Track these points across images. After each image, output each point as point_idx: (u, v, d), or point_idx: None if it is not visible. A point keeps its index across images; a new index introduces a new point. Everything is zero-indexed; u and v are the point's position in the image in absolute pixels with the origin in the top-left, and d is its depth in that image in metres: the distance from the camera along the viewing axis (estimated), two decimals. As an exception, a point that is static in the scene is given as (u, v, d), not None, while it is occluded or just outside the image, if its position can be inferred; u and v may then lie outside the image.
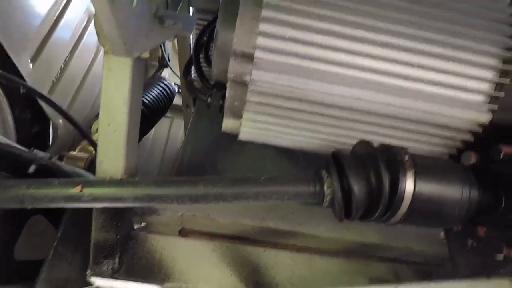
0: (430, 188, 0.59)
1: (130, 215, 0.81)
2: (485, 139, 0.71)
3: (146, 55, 0.67)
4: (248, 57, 0.62)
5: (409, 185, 0.58)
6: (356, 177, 0.58)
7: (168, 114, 1.80)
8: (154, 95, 1.46)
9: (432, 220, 0.62)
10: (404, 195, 0.58)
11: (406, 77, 0.66)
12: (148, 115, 1.36)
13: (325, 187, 0.62)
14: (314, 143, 0.79)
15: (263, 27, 0.61)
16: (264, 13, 0.61)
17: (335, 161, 0.62)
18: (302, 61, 0.63)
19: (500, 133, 0.70)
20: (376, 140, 0.73)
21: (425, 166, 0.60)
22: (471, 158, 0.72)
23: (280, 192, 0.62)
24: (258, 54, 0.62)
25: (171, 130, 1.86)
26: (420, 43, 0.64)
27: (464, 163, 0.73)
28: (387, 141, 0.74)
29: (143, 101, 1.29)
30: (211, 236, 0.90)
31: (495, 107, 0.67)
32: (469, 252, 0.70)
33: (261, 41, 0.62)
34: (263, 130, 0.75)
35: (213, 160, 1.09)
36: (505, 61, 0.66)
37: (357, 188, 0.58)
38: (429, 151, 0.76)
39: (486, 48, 0.65)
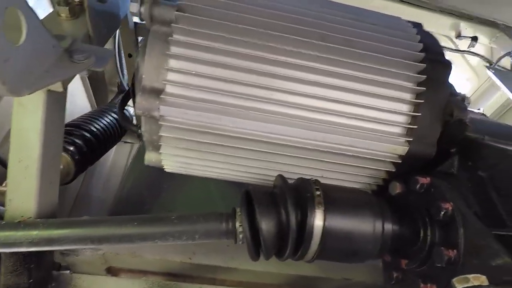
0: (341, 224, 0.58)
1: (49, 256, 0.76)
2: (408, 170, 0.72)
3: (58, 88, 0.65)
4: (157, 93, 0.61)
5: (318, 221, 0.56)
6: (265, 214, 0.57)
7: (128, 140, 1.76)
8: (106, 122, 1.42)
9: (346, 256, 0.61)
10: (313, 232, 0.56)
11: (322, 111, 0.66)
12: (94, 143, 1.32)
13: (237, 224, 0.60)
14: (241, 176, 0.77)
15: (173, 63, 0.61)
16: (173, 49, 0.61)
17: (246, 198, 0.60)
18: (213, 96, 0.62)
19: (419, 164, 0.71)
20: (302, 173, 0.72)
21: (336, 201, 0.59)
22: (396, 188, 0.72)
23: (190, 232, 0.60)
24: (168, 89, 0.62)
25: (131, 157, 1.81)
26: (335, 79, 0.65)
27: (391, 193, 0.73)
28: (312, 173, 0.73)
29: (90, 128, 1.25)
30: (144, 273, 0.86)
31: (411, 138, 0.67)
32: (395, 284, 0.68)
33: (171, 76, 0.61)
34: (185, 164, 0.73)
35: (156, 193, 1.06)
36: (417, 94, 0.67)
37: (265, 226, 0.56)
38: (356, 182, 0.76)
39: (400, 82, 0.66)
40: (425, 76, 0.66)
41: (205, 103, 0.62)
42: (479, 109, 1.83)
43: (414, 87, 0.66)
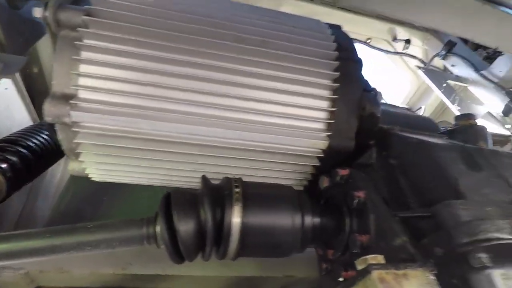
0: (260, 219, 0.59)
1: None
2: (333, 164, 0.74)
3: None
4: (67, 98, 0.59)
5: (236, 218, 0.57)
6: (182, 216, 0.56)
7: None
8: (46, 136, 1.35)
9: (269, 250, 0.62)
10: (231, 229, 0.57)
11: (243, 110, 0.67)
12: (32, 159, 1.25)
13: (157, 229, 0.59)
14: (171, 180, 0.76)
15: (84, 68, 0.60)
16: (84, 54, 0.60)
17: (166, 201, 0.59)
18: (128, 100, 0.61)
19: (341, 157, 0.74)
20: (231, 173, 0.73)
21: (255, 197, 0.60)
22: (324, 182, 0.75)
23: (108, 240, 0.58)
24: (81, 95, 0.60)
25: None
26: (253, 79, 0.67)
27: (320, 187, 0.75)
28: (242, 172, 0.74)
29: (27, 144, 1.18)
30: (79, 290, 0.82)
31: (330, 132, 0.70)
32: (325, 275, 0.70)
33: (82, 81, 0.60)
34: (109, 171, 0.72)
35: (96, 204, 1.02)
36: (333, 90, 0.70)
37: (182, 227, 0.56)
38: (286, 178, 0.78)
39: (316, 80, 0.69)
40: (339, 73, 0.69)
41: (121, 107, 0.61)
42: (419, 108, 1.95)
43: (330, 84, 0.70)
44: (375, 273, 0.41)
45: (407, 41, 1.64)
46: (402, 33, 1.67)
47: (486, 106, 1.41)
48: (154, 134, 0.64)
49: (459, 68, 1.53)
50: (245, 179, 0.64)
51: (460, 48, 1.54)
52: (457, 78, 1.55)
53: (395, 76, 1.89)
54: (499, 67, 1.47)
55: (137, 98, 0.62)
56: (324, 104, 0.70)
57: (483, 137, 0.67)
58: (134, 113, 0.62)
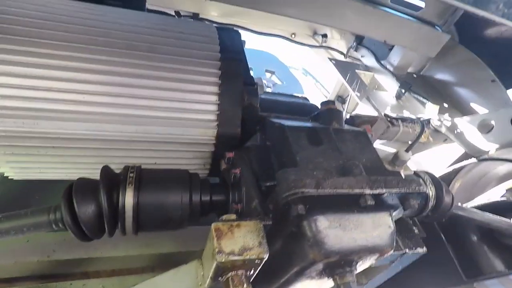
0: (151, 199, 0.71)
1: None
2: (226, 148, 0.88)
3: None
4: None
5: (128, 199, 0.68)
6: (80, 201, 0.67)
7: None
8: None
9: (163, 223, 0.73)
10: (125, 208, 0.68)
11: (139, 108, 0.78)
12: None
13: (63, 214, 0.69)
14: (83, 174, 0.86)
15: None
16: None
17: (69, 189, 0.69)
18: (25, 103, 0.70)
19: (232, 142, 0.87)
20: (137, 163, 0.84)
21: (148, 181, 0.72)
22: (222, 165, 0.88)
23: (18, 226, 0.67)
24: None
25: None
26: (146, 80, 0.78)
27: (221, 169, 0.88)
28: (146, 162, 0.85)
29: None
30: (8, 282, 0.89)
31: (218, 122, 0.83)
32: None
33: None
34: (23, 169, 0.80)
35: (28, 202, 1.09)
36: (218, 87, 0.83)
37: (82, 211, 0.66)
38: (188, 164, 0.90)
39: (201, 78, 0.82)
40: (220, 71, 0.82)
41: (20, 111, 0.70)
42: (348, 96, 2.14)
43: (214, 81, 0.82)
44: (213, 225, 0.54)
45: (324, 36, 1.82)
46: (321, 28, 1.85)
47: (388, 92, 1.62)
48: (58, 133, 0.73)
49: (367, 58, 1.74)
50: (153, 167, 0.76)
51: (368, 41, 1.74)
52: (366, 68, 1.75)
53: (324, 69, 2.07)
54: (393, 57, 1.69)
55: (34, 102, 0.71)
56: (211, 98, 0.83)
57: (337, 118, 0.82)
58: (33, 115, 0.71)
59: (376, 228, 0.64)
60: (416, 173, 1.03)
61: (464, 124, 1.16)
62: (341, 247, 0.61)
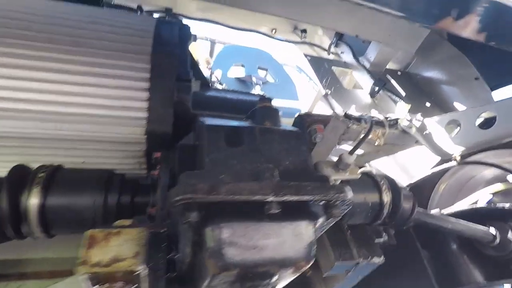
0: (60, 200, 0.67)
1: None
2: (158, 147, 0.83)
3: None
4: None
5: (33, 200, 0.65)
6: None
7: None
8: None
9: (76, 226, 0.70)
10: (28, 210, 0.64)
11: (60, 104, 0.74)
12: None
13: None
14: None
15: None
16: None
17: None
18: None
19: (164, 140, 0.83)
20: (63, 161, 0.80)
21: (59, 182, 0.68)
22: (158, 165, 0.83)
23: None
24: None
25: None
26: (67, 75, 0.74)
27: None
28: (73, 160, 0.82)
29: None
30: None
31: (147, 120, 0.79)
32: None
33: None
34: None
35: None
36: (147, 82, 0.78)
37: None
38: (120, 164, 0.86)
39: (128, 74, 0.77)
40: (150, 66, 0.77)
41: None
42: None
43: (143, 76, 0.78)
44: (89, 232, 0.50)
45: (303, 31, 1.74)
46: (301, 23, 1.77)
47: (364, 90, 1.53)
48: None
49: (346, 55, 1.65)
50: (82, 166, 0.72)
51: (348, 37, 1.65)
52: (345, 65, 1.67)
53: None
54: (370, 53, 1.60)
55: None
56: (140, 94, 0.78)
57: (270, 117, 0.76)
58: None
59: (287, 239, 0.58)
60: (371, 176, 0.96)
61: (433, 124, 1.08)
62: (242, 259, 0.55)
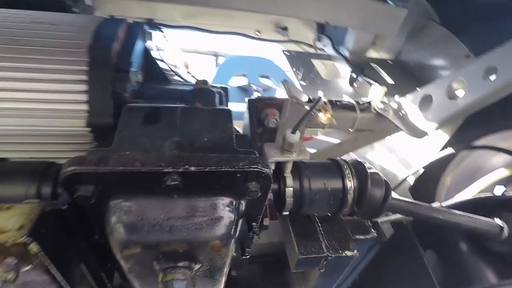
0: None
1: None
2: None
3: None
4: None
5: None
6: None
7: None
8: None
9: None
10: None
11: (10, 100, 0.77)
12: None
13: None
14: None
15: None
16: None
17: None
18: None
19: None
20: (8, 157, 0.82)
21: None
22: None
23: None
24: None
25: None
26: (7, 72, 0.77)
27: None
28: (23, 156, 0.84)
29: None
30: None
31: (88, 112, 0.80)
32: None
33: None
34: None
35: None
36: (85, 75, 0.80)
37: None
38: (70, 156, 0.87)
39: (68, 67, 0.79)
40: (88, 60, 0.79)
41: None
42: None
43: (81, 69, 0.79)
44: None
45: (285, 29, 1.71)
46: (281, 21, 1.75)
47: (345, 79, 1.46)
48: None
49: (328, 47, 1.59)
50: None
51: (328, 29, 1.60)
52: (328, 57, 1.61)
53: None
54: (348, 42, 1.53)
55: None
56: (79, 87, 0.80)
57: (202, 98, 0.74)
58: None
59: (196, 215, 0.54)
60: (333, 161, 0.89)
61: (408, 103, 0.98)
62: (143, 236, 0.52)
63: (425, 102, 0.95)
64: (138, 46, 0.95)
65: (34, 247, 0.48)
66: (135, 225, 0.52)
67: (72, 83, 0.79)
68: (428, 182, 1.51)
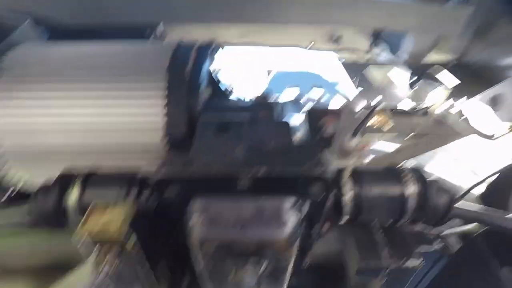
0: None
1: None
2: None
3: None
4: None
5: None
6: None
7: None
8: None
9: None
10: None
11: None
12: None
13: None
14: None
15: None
16: None
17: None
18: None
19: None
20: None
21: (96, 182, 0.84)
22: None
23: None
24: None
25: None
26: (112, 92, 0.93)
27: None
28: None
29: None
30: None
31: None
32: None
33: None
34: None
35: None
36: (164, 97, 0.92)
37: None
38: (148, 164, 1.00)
39: (153, 87, 0.93)
40: (166, 79, 0.92)
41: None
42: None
43: (160, 88, 0.92)
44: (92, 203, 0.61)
45: (339, 38, 1.72)
46: (336, 31, 1.76)
47: (405, 84, 1.40)
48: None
49: (385, 53, 1.55)
50: None
51: (386, 35, 1.57)
52: (385, 63, 1.56)
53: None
54: (406, 46, 1.46)
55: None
56: (160, 102, 0.92)
57: (264, 109, 0.80)
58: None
59: (265, 216, 0.60)
60: (393, 167, 0.88)
61: (475, 104, 0.93)
62: (219, 234, 0.59)
63: (496, 102, 0.89)
64: (206, 65, 1.06)
65: (131, 242, 0.58)
66: (212, 224, 0.60)
67: (153, 98, 0.93)
68: (503, 190, 1.38)
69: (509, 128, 0.83)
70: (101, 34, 1.24)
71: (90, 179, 0.85)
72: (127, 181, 0.84)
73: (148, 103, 0.93)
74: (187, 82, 0.93)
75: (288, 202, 0.62)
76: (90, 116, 0.94)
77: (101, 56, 0.99)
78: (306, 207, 0.64)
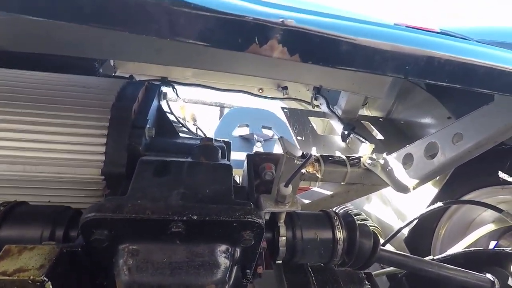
0: (11, 233, 0.75)
1: None
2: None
3: None
4: None
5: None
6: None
7: None
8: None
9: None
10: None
11: (30, 150, 0.88)
12: None
13: None
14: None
15: None
16: None
17: None
18: None
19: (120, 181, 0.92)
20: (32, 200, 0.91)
21: (14, 216, 0.77)
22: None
23: None
24: None
25: None
26: (52, 127, 0.89)
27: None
28: (40, 200, 0.92)
29: None
30: None
31: (103, 163, 0.90)
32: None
33: None
34: None
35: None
36: (105, 131, 0.91)
37: None
38: (85, 203, 0.95)
39: (91, 123, 0.91)
40: (110, 117, 0.91)
41: None
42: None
43: (103, 125, 0.91)
44: (6, 246, 0.57)
45: (284, 88, 1.89)
46: (283, 81, 1.94)
47: (339, 136, 1.58)
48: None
49: (323, 106, 1.74)
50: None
51: (324, 91, 1.77)
52: (323, 115, 1.75)
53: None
54: (341, 102, 1.68)
55: None
56: (100, 140, 0.91)
57: (206, 153, 0.83)
58: None
59: (195, 260, 0.61)
60: (324, 213, 0.95)
61: (393, 160, 1.08)
62: (146, 279, 0.58)
63: (407, 160, 1.04)
64: (154, 104, 1.08)
65: (49, 286, 0.55)
66: (140, 268, 0.58)
67: (94, 136, 0.91)
68: (423, 234, 1.54)
69: (413, 186, 0.97)
70: (47, 64, 1.21)
71: (12, 213, 0.78)
72: (53, 219, 0.79)
73: (88, 141, 0.90)
74: (131, 121, 0.93)
75: (220, 248, 0.64)
76: (23, 149, 0.88)
77: (44, 87, 0.96)
78: (238, 252, 0.66)
